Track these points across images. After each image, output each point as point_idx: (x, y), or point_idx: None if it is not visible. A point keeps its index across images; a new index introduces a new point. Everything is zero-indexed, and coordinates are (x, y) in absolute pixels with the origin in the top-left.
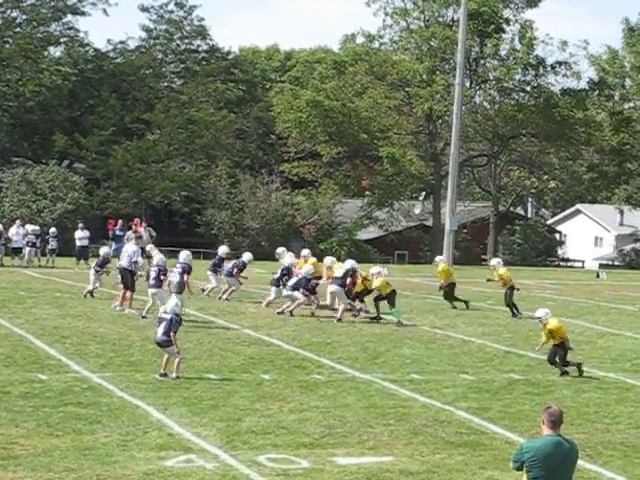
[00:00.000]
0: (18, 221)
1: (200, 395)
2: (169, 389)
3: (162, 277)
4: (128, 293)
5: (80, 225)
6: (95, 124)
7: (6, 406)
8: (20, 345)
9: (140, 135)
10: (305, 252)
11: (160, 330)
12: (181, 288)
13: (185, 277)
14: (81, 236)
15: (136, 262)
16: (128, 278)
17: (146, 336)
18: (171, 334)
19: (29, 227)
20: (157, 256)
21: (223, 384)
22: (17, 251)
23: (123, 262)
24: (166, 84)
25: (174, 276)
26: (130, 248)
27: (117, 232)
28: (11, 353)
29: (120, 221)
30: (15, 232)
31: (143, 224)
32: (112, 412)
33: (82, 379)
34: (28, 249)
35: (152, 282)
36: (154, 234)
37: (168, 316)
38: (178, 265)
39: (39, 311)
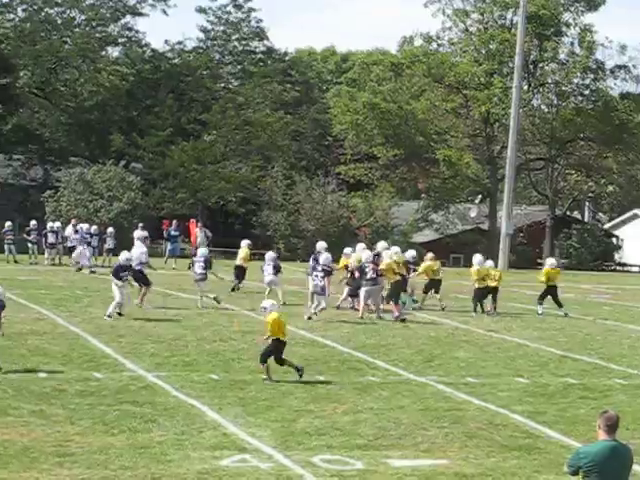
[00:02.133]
0: (73, 220)
1: (255, 395)
2: (224, 389)
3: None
4: (143, 288)
5: (140, 225)
6: (152, 124)
7: (63, 404)
8: (76, 344)
9: (196, 136)
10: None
11: None
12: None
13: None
14: (140, 236)
15: (145, 263)
16: (140, 276)
17: (202, 336)
18: None
19: (84, 226)
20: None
21: (278, 385)
22: (73, 250)
23: (134, 264)
24: (223, 85)
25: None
26: (139, 250)
27: (172, 232)
28: (68, 351)
29: (175, 221)
30: (71, 231)
31: (199, 225)
32: (167, 411)
33: (138, 378)
34: (80, 249)
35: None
36: (210, 235)
37: None
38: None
39: (95, 310)
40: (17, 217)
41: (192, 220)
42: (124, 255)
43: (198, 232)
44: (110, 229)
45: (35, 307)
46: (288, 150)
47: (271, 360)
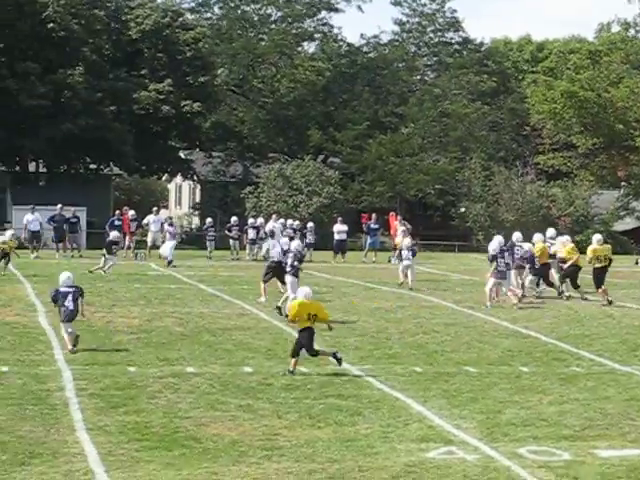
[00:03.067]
0: (274, 216)
1: (459, 387)
2: (428, 381)
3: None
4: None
5: (339, 219)
6: (349, 118)
7: (269, 397)
8: (280, 338)
9: (394, 129)
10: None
11: None
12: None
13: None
14: (340, 230)
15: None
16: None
17: (405, 329)
18: None
19: (288, 222)
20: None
21: (482, 376)
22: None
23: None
24: (419, 77)
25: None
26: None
27: (372, 225)
28: (272, 346)
29: (374, 215)
30: (272, 227)
31: (398, 217)
32: (372, 404)
33: (342, 371)
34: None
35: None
36: (409, 227)
37: None
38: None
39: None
40: (218, 213)
41: (392, 213)
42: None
43: (398, 225)
44: (310, 224)
45: (238, 302)
46: (486, 141)
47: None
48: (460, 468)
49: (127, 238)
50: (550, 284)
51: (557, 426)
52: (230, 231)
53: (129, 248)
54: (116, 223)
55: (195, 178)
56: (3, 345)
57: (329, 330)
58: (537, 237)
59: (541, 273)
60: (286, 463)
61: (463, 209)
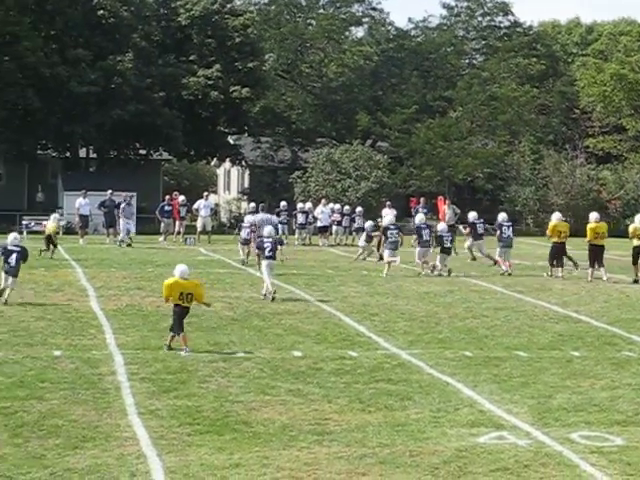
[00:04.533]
0: (324, 200)
1: (510, 372)
2: (478, 366)
3: None
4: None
5: (388, 203)
6: (397, 102)
7: (319, 382)
8: (330, 322)
9: (442, 113)
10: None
11: None
12: None
13: None
14: (387, 214)
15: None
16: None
17: (454, 313)
18: None
19: (335, 206)
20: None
21: (532, 361)
22: (323, 230)
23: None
24: (467, 61)
25: None
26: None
27: (420, 210)
28: (322, 330)
29: (422, 199)
30: (321, 211)
31: (447, 202)
32: (422, 389)
33: (391, 356)
34: (335, 228)
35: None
36: (458, 211)
37: None
38: None
39: (347, 289)
40: (266, 198)
41: (440, 197)
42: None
43: (446, 209)
44: (359, 208)
45: (288, 287)
46: (535, 124)
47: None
48: (511, 453)
49: (177, 223)
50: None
51: (609, 411)
52: (279, 216)
53: (179, 233)
54: (166, 208)
55: (244, 163)
56: (56, 329)
57: (207, 307)
58: (593, 216)
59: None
60: (337, 447)
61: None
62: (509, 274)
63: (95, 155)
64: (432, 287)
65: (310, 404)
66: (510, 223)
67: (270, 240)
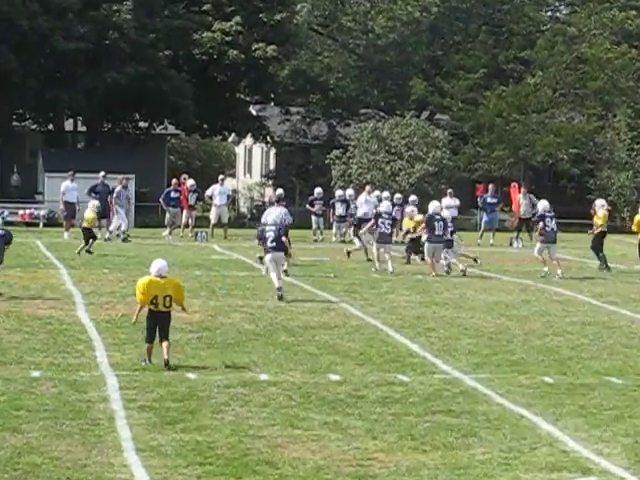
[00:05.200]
0: (368, 187)
1: (600, 403)
2: (560, 395)
3: None
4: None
5: (449, 191)
6: (461, 65)
7: (361, 413)
8: (375, 339)
9: (517, 78)
10: None
11: None
12: None
13: None
14: (449, 204)
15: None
16: None
17: (531, 328)
18: None
19: (383, 194)
20: None
21: (628, 390)
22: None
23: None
24: (549, 14)
25: None
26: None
27: (488, 199)
28: (365, 349)
29: (491, 186)
30: (365, 200)
31: (522, 190)
32: (490, 423)
33: (452, 381)
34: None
35: None
36: (536, 201)
37: None
38: None
39: (397, 297)
40: (297, 184)
41: (513, 184)
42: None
43: (521, 199)
44: (412, 197)
45: (323, 295)
46: (634, 93)
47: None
48: None
49: (185, 214)
50: None
51: None
52: (312, 206)
53: (187, 226)
54: (172, 195)
55: (269, 140)
56: (34, 345)
57: (184, 312)
58: None
59: None
60: None
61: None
62: (560, 276)
63: (84, 128)
64: (503, 296)
65: (350, 441)
66: (553, 214)
67: (274, 228)
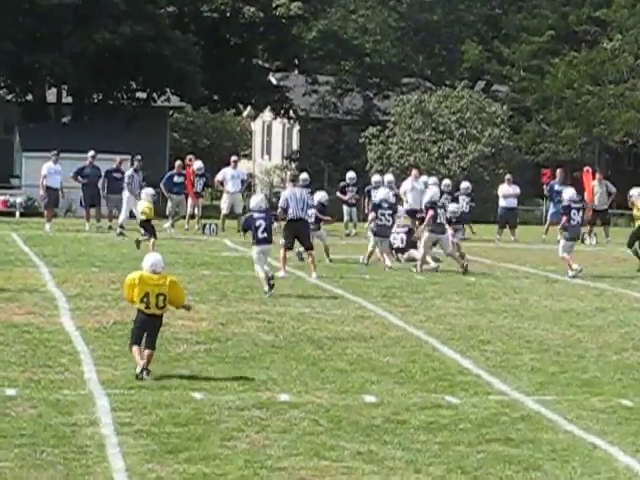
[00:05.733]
0: (415, 171)
1: None
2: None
3: None
4: None
5: (508, 177)
6: (524, 26)
7: (401, 442)
8: (419, 353)
9: (591, 42)
10: None
11: None
12: None
13: None
14: (508, 193)
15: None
16: None
17: (606, 341)
18: None
19: (430, 180)
20: None
21: None
22: (411, 215)
23: None
24: None
25: None
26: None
27: (556, 187)
28: (406, 365)
29: (559, 171)
30: (410, 188)
31: (597, 175)
32: (557, 454)
33: (511, 404)
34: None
35: None
36: (614, 190)
37: None
38: None
39: (445, 303)
40: (325, 167)
41: (586, 169)
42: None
43: (596, 186)
44: (464, 184)
45: (356, 300)
46: None
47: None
48: None
49: (190, 202)
50: None
51: None
52: (344, 193)
53: (193, 217)
54: (176, 180)
55: (292, 114)
56: (9, 358)
57: (187, 310)
58: None
59: None
60: None
61: None
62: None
63: (70, 99)
64: (573, 303)
65: (388, 474)
66: (582, 205)
67: (264, 216)
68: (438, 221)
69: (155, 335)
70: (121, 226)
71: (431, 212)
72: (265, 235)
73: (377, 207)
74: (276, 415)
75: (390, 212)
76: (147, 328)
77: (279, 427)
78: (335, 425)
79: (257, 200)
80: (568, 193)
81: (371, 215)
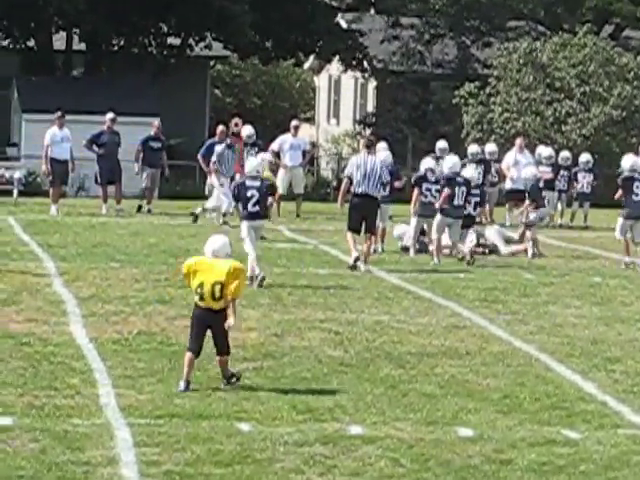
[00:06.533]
0: (519, 140)
1: None
2: None
3: None
4: None
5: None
6: None
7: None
8: (528, 373)
9: None
10: None
11: None
12: None
13: None
14: None
15: None
16: None
17: None
18: None
19: (544, 152)
20: None
21: None
22: (517, 196)
23: None
24: None
25: None
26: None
27: None
28: (512, 389)
29: None
30: (515, 161)
31: None
32: None
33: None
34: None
35: None
36: None
37: None
38: None
39: (562, 310)
40: (408, 133)
41: None
42: None
43: None
44: (585, 156)
45: (448, 305)
46: None
47: None
48: None
49: (238, 176)
50: None
51: None
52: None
53: None
54: (218, 149)
55: (366, 66)
56: (4, 377)
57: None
58: None
59: None
60: None
61: None
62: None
63: (83, 46)
64: None
65: None
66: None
67: (257, 185)
68: (455, 203)
69: (224, 336)
70: (224, 215)
71: (447, 191)
72: (257, 209)
73: (421, 180)
74: (345, 453)
75: (437, 187)
76: (210, 326)
77: (349, 468)
78: (421, 466)
79: (253, 164)
80: (628, 160)
81: (415, 192)
